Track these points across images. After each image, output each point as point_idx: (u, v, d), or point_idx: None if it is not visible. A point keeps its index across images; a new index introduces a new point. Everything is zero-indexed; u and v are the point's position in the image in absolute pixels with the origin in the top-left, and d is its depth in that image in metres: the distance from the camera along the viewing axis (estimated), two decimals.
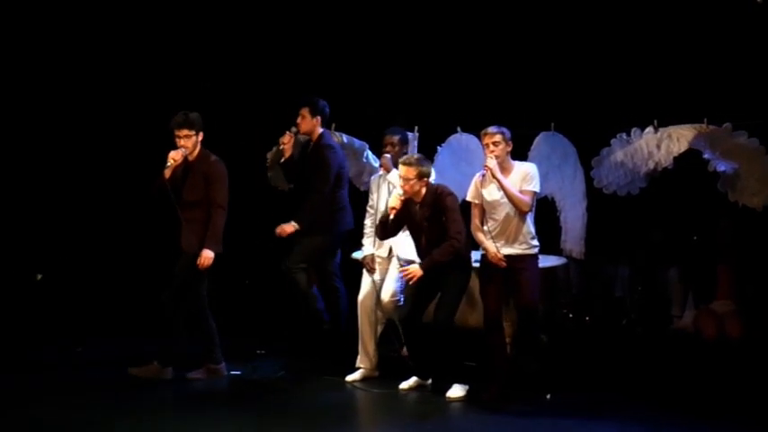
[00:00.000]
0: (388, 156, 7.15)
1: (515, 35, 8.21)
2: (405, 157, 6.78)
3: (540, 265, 6.79)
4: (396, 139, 7.23)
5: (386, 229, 6.80)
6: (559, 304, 7.86)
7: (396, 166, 6.95)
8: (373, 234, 7.16)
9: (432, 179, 6.71)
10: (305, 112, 7.52)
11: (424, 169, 6.64)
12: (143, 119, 8.98)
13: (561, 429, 6.02)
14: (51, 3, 8.97)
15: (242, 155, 8.56)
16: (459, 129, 7.91)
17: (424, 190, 6.66)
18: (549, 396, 6.57)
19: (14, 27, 8.99)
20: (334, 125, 8.25)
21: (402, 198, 6.65)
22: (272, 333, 8.57)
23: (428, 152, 7.89)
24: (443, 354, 6.65)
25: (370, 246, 7.24)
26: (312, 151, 7.51)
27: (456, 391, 6.60)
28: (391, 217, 6.70)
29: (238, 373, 7.30)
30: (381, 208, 7.06)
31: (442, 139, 8.00)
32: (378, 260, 7.18)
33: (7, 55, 9.03)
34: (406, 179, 6.60)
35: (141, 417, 6.22)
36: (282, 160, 7.64)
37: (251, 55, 9.24)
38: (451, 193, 6.71)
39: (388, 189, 7.07)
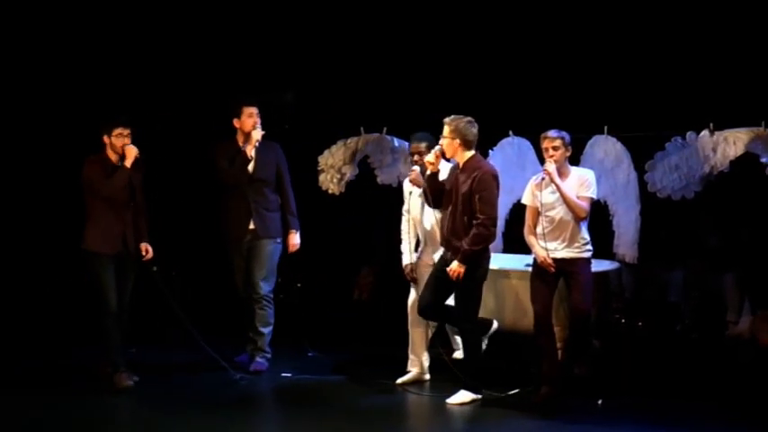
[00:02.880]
0: (418, 168, 6.81)
1: (569, 38, 8.17)
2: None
3: (593, 269, 6.73)
4: (423, 146, 6.84)
5: (433, 193, 6.57)
6: (612, 309, 7.78)
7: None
8: (408, 239, 7.06)
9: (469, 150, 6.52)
10: (255, 111, 7.33)
11: (461, 127, 6.47)
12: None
13: None
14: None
15: (305, 159, 8.65)
16: (511, 132, 7.88)
17: (466, 154, 6.52)
18: (600, 402, 6.51)
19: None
20: (385, 129, 8.28)
21: (438, 154, 6.52)
22: (322, 335, 8.61)
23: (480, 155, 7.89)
24: (475, 361, 6.56)
25: (407, 254, 7.09)
26: (269, 153, 7.41)
27: (462, 396, 6.55)
28: (428, 172, 6.57)
29: (288, 375, 7.33)
30: (418, 216, 6.99)
31: (494, 143, 7.98)
32: (429, 263, 7.03)
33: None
34: (443, 137, 6.52)
35: (189, 417, 6.31)
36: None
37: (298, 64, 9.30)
38: (494, 174, 6.48)
39: (422, 206, 6.94)
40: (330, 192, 8.63)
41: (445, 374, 6.98)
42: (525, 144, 7.73)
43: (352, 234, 9.79)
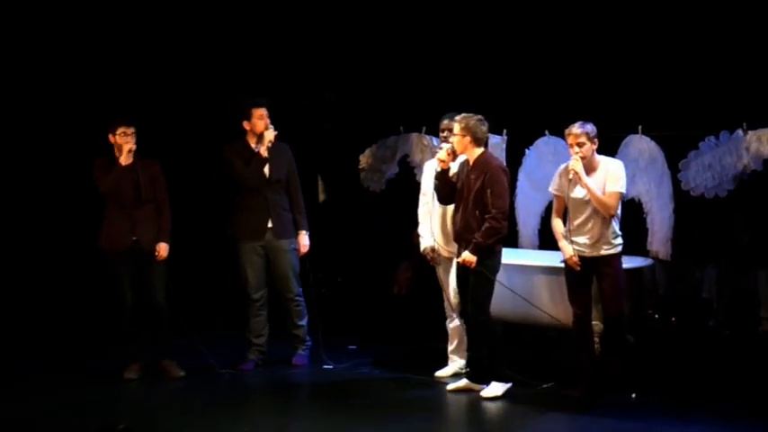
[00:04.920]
0: (447, 146, 6.77)
1: (604, 38, 8.23)
2: None
3: (627, 266, 6.79)
4: (452, 124, 6.80)
5: (443, 189, 6.67)
6: (645, 305, 7.86)
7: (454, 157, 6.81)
8: (427, 222, 7.08)
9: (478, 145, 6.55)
10: (265, 112, 7.28)
11: (471, 124, 6.51)
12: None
13: (646, 430, 6.06)
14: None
15: (346, 157, 8.78)
16: (546, 132, 7.99)
17: (476, 151, 6.57)
18: (634, 396, 6.59)
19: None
20: (424, 128, 8.44)
21: (449, 152, 6.58)
22: (363, 329, 8.77)
23: (516, 155, 8.02)
24: (495, 351, 6.61)
25: (428, 236, 7.14)
26: (283, 153, 7.39)
27: (494, 389, 6.62)
28: (437, 169, 6.65)
29: (330, 367, 7.53)
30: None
31: (530, 142, 8.10)
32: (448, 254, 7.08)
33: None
34: (453, 134, 6.59)
35: (226, 408, 6.51)
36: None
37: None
38: (503, 168, 6.58)
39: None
40: (371, 190, 8.83)
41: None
42: (561, 143, 7.75)
43: (391, 230, 9.93)
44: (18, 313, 8.74)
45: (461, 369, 7.10)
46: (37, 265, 9.09)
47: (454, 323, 7.17)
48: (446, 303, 7.23)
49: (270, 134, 7.22)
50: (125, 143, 7.06)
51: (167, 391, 7.02)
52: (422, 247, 7.21)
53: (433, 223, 7.11)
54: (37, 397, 6.83)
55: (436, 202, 7.03)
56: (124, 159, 7.06)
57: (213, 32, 9.28)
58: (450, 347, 7.25)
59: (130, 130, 7.11)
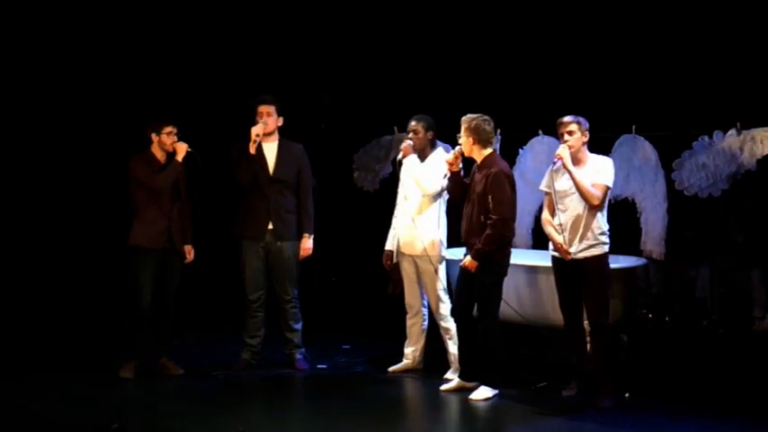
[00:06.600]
0: (410, 142, 6.98)
1: (597, 38, 8.27)
2: None
3: (621, 265, 6.79)
4: (417, 125, 7.00)
5: (454, 188, 6.70)
6: (639, 304, 7.89)
7: (417, 154, 6.96)
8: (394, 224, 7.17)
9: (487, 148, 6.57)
10: (271, 110, 7.23)
11: (474, 125, 6.50)
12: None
13: (640, 429, 6.08)
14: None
15: (341, 157, 8.79)
16: (540, 131, 8.02)
17: (483, 152, 6.54)
18: (627, 395, 6.59)
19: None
20: None
21: (457, 153, 6.57)
22: (358, 329, 8.79)
23: (510, 154, 8.04)
24: (494, 357, 6.58)
25: (389, 239, 7.26)
26: (290, 153, 7.32)
27: (483, 392, 6.60)
28: (447, 173, 6.66)
29: (324, 366, 7.54)
30: (402, 193, 7.15)
31: (523, 142, 8.12)
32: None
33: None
34: (459, 136, 6.61)
35: (220, 407, 6.52)
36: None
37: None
38: (506, 173, 6.49)
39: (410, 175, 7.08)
40: (365, 189, 8.84)
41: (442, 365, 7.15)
42: (555, 143, 7.78)
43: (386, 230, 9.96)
44: (21, 310, 8.76)
45: (416, 365, 7.26)
46: (39, 262, 9.09)
47: (412, 321, 7.29)
48: (406, 300, 7.33)
49: (256, 129, 7.13)
50: (173, 142, 7.10)
51: (161, 391, 7.02)
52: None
53: (397, 223, 7.17)
54: (33, 394, 6.84)
55: (400, 201, 7.13)
56: (181, 157, 7.10)
57: (210, 34, 9.32)
58: (407, 344, 7.34)
59: (175, 129, 7.15)
